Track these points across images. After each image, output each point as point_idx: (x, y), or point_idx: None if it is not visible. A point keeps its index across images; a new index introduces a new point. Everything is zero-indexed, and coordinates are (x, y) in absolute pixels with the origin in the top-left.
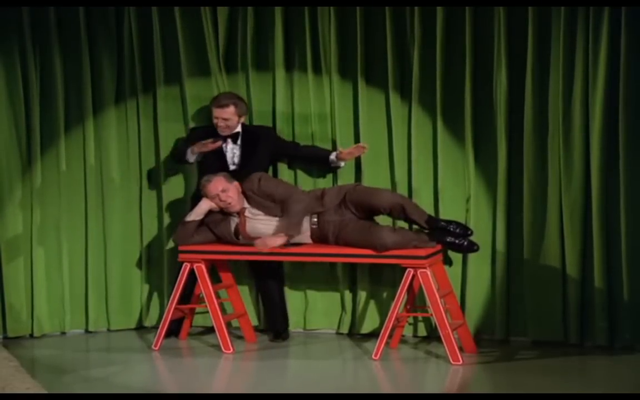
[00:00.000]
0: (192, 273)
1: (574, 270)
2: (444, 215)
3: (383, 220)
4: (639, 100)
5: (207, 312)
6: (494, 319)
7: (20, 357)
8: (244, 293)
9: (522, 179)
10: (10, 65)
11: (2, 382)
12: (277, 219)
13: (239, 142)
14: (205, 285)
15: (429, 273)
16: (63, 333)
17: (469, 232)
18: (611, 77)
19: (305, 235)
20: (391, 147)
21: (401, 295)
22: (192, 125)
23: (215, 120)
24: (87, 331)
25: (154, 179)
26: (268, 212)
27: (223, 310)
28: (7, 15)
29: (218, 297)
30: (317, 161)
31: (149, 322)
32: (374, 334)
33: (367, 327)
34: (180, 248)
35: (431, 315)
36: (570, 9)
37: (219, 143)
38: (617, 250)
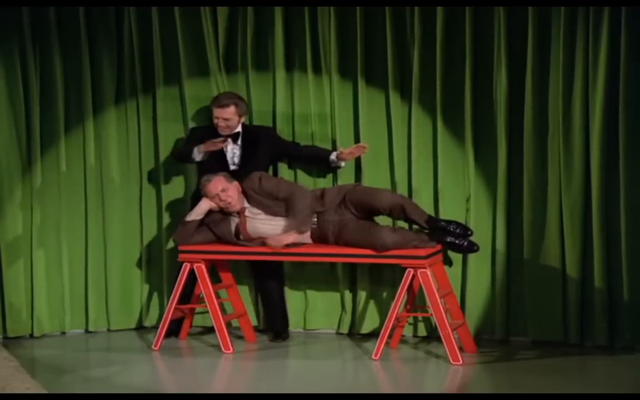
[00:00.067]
0: (192, 273)
1: (574, 270)
2: (444, 215)
3: (383, 220)
4: (639, 100)
5: (207, 312)
6: (494, 319)
7: (20, 357)
8: (244, 293)
9: (522, 179)
10: (10, 65)
11: (2, 382)
12: (277, 218)
13: (239, 142)
14: (205, 285)
15: (429, 273)
16: (63, 333)
17: (469, 233)
18: (611, 77)
19: (305, 235)
20: (391, 147)
21: (401, 295)
22: (192, 125)
23: (215, 120)
24: (87, 331)
25: (154, 179)
26: (268, 211)
27: (223, 310)
28: (7, 15)
29: (218, 297)
30: (317, 161)
31: (149, 322)
32: (374, 334)
33: (367, 327)
34: (181, 248)
35: (431, 315)
36: (570, 9)
37: (227, 141)
38: (617, 250)
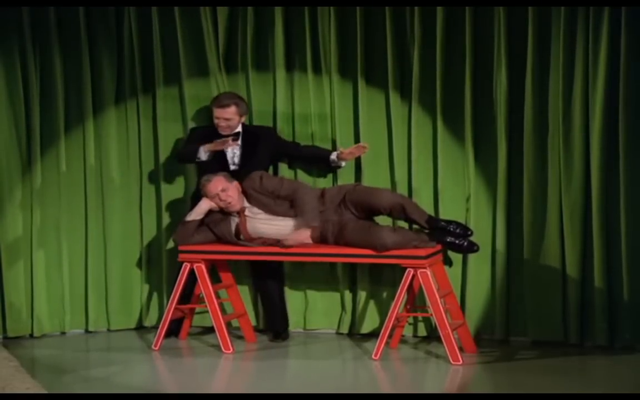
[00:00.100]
0: (192, 273)
1: (574, 271)
2: (443, 215)
3: (383, 220)
4: (639, 100)
5: (207, 312)
6: (494, 319)
7: (20, 357)
8: (244, 293)
9: (522, 179)
10: (10, 65)
11: (2, 382)
12: (277, 217)
13: (239, 142)
14: (205, 285)
15: (429, 273)
16: (63, 333)
17: (469, 233)
18: (611, 77)
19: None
20: (391, 147)
21: (401, 295)
22: (191, 125)
23: (216, 121)
24: (87, 331)
25: (154, 179)
26: (268, 210)
27: (223, 310)
28: (7, 15)
29: (218, 297)
30: (317, 161)
31: (149, 322)
32: (374, 334)
33: (367, 327)
34: (181, 248)
35: (431, 315)
36: (570, 9)
37: (236, 141)
38: (617, 250)
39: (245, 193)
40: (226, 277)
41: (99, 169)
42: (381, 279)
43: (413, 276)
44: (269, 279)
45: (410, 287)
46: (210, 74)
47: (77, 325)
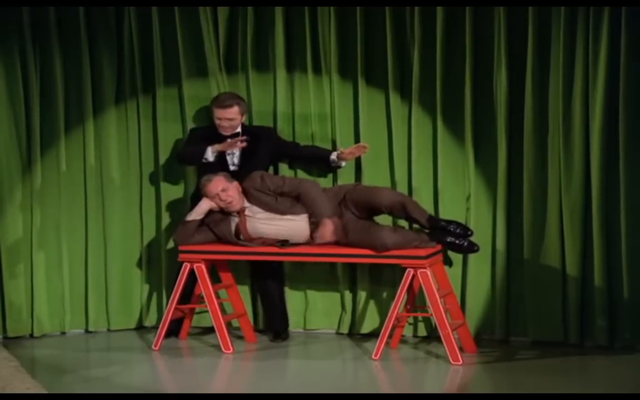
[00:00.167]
0: (192, 273)
1: (574, 270)
2: (444, 215)
3: (384, 219)
4: (639, 100)
5: (207, 311)
6: (494, 319)
7: (20, 357)
8: (244, 293)
9: (522, 179)
10: (10, 65)
11: (2, 382)
12: (277, 217)
13: (245, 144)
14: (205, 285)
15: (429, 273)
16: (63, 333)
17: (469, 233)
18: (611, 77)
19: (304, 236)
20: (391, 147)
21: (401, 295)
22: (192, 125)
23: (218, 121)
24: (87, 331)
25: (154, 179)
26: (270, 208)
27: (223, 310)
28: (7, 15)
29: (218, 297)
30: (317, 161)
31: (149, 322)
32: (374, 334)
33: (367, 327)
34: (181, 248)
35: (431, 315)
36: (570, 9)
37: (244, 144)
38: (617, 250)
39: (245, 192)
40: (226, 277)
41: (99, 169)
42: (381, 279)
43: (413, 276)
44: (269, 279)
45: (410, 287)
46: (210, 74)
47: (77, 325)
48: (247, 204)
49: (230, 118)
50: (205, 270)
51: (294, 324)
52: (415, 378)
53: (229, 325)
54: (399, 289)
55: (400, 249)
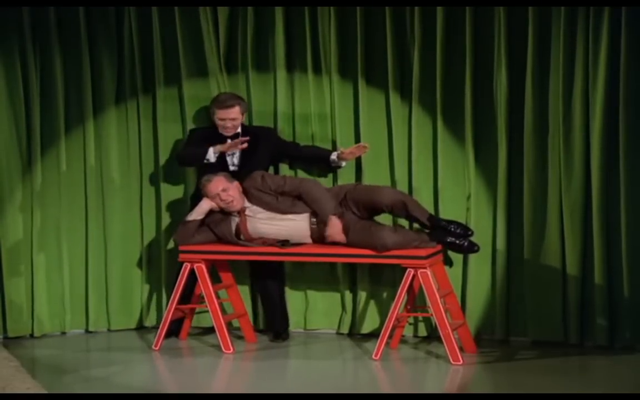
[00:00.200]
0: (192, 273)
1: (574, 270)
2: (444, 215)
3: (384, 219)
4: (639, 100)
5: (208, 311)
6: (494, 319)
7: (20, 357)
8: (244, 293)
9: (522, 179)
10: (10, 65)
11: (3, 382)
12: (278, 217)
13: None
14: (205, 285)
15: (429, 273)
16: (63, 333)
17: (470, 233)
18: (611, 77)
19: (305, 236)
20: (391, 147)
21: (401, 296)
22: (192, 126)
23: (221, 122)
24: (87, 331)
25: (154, 179)
26: (270, 208)
27: (223, 310)
28: (7, 15)
29: (218, 297)
30: (318, 161)
31: (149, 322)
32: (374, 334)
33: (367, 327)
34: (181, 248)
35: (431, 315)
36: (570, 9)
37: (245, 145)
38: (617, 250)
39: (246, 192)
40: (226, 277)
41: (99, 169)
42: (381, 279)
43: (413, 276)
44: (269, 279)
45: (411, 287)
46: (210, 74)
47: (78, 325)
48: (247, 203)
49: (233, 118)
50: (205, 270)
51: (294, 324)
52: (415, 378)
53: (229, 325)
54: (399, 289)
55: (401, 249)
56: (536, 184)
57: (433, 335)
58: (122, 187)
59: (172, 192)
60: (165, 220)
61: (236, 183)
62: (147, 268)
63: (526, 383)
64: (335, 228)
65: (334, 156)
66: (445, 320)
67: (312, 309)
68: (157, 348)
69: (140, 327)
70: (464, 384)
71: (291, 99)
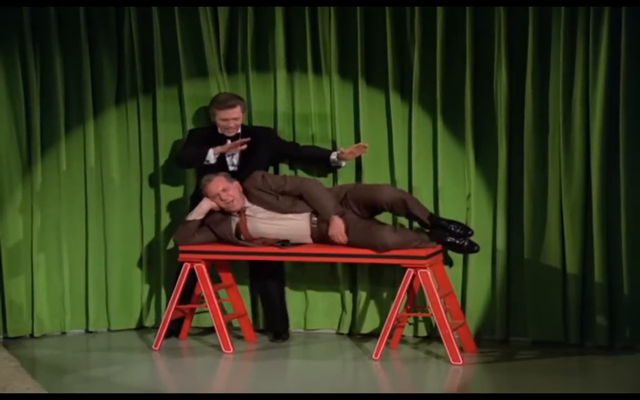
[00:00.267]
0: (192, 273)
1: (574, 270)
2: (444, 214)
3: (385, 218)
4: (639, 100)
5: (208, 311)
6: (494, 319)
7: (20, 357)
8: (244, 293)
9: (522, 179)
10: (10, 65)
11: (3, 382)
12: (278, 216)
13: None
14: (205, 285)
15: (429, 273)
16: (63, 333)
17: (470, 233)
18: (611, 77)
19: (305, 235)
20: (391, 146)
21: (401, 296)
22: (192, 126)
23: (223, 122)
24: (87, 331)
25: (154, 180)
26: (271, 207)
27: (223, 310)
28: (7, 15)
29: (218, 297)
30: (318, 161)
31: (149, 322)
32: (374, 334)
33: (367, 327)
34: (181, 248)
35: (431, 315)
36: (570, 9)
37: (244, 146)
38: (617, 250)
39: (246, 192)
40: (226, 277)
41: (99, 169)
42: (381, 279)
43: (413, 276)
44: (269, 279)
45: (411, 287)
46: (210, 74)
47: (78, 325)
48: (247, 203)
49: (236, 117)
50: (205, 270)
51: (294, 324)
52: (415, 378)
53: (229, 325)
54: (399, 289)
55: (401, 248)
56: (536, 184)
57: (433, 335)
58: (122, 187)
59: (172, 192)
60: (165, 220)
61: (236, 183)
62: (147, 268)
63: (526, 383)
64: (338, 228)
65: (334, 156)
66: (445, 320)
67: (312, 309)
68: (157, 348)
69: (140, 327)
70: (464, 384)
71: (291, 99)
